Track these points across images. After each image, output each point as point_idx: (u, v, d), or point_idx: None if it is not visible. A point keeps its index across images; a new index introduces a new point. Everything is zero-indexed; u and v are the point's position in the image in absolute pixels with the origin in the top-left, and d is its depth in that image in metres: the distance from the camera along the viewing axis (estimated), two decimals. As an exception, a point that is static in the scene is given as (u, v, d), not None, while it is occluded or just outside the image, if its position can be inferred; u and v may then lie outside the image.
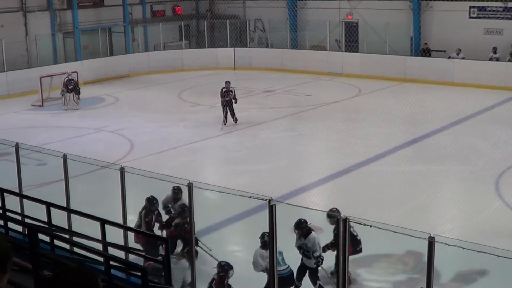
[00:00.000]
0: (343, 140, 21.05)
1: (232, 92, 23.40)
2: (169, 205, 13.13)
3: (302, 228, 10.75)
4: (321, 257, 10.69)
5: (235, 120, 23.41)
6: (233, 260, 12.97)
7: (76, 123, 24.22)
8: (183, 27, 38.07)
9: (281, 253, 10.31)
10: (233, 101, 23.29)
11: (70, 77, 26.87)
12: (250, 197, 10.31)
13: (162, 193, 13.58)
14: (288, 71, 34.27)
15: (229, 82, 23.83)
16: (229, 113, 23.32)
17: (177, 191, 12.87)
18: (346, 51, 34.39)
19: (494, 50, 30.11)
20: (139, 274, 5.56)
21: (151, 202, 12.52)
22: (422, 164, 18.53)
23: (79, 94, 27.04)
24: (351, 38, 34.84)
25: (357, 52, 34.10)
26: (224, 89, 23.50)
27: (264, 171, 17.62)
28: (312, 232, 10.90)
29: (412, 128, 22.70)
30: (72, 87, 26.73)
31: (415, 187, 16.12)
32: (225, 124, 23.10)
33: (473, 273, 11.46)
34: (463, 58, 30.57)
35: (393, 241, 12.14)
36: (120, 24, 36.52)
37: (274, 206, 8.25)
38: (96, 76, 32.61)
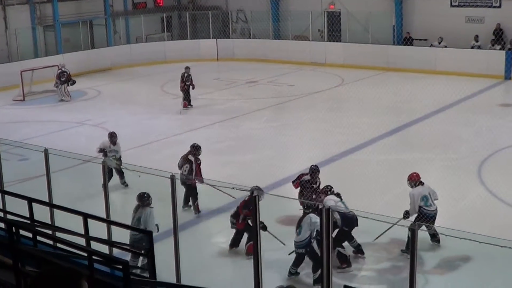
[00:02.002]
0: (326, 129, 21.07)
1: (191, 76, 24.48)
2: (107, 149, 15.79)
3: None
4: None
5: (191, 105, 24.66)
6: (218, 251, 13.01)
7: (58, 117, 24.08)
8: (165, 19, 37.90)
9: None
10: (191, 86, 24.45)
11: (63, 69, 26.84)
12: (233, 188, 10.34)
13: (145, 187, 13.56)
14: (271, 62, 34.26)
15: (189, 68, 24.79)
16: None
17: (112, 134, 16.04)
18: (328, 41, 34.41)
19: (476, 38, 30.25)
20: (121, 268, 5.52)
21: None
22: (405, 152, 18.60)
23: (74, 84, 27.10)
24: (333, 28, 34.82)
25: (339, 41, 34.12)
26: (185, 74, 24.42)
27: (248, 162, 17.63)
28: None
29: (395, 116, 22.74)
30: (64, 79, 26.73)
31: (398, 176, 16.09)
32: (186, 108, 24.43)
33: (456, 259, 11.52)
34: (445, 47, 30.68)
35: (377, 229, 12.19)
36: (101, 16, 36.32)
37: (257, 196, 8.25)
38: (78, 69, 32.32)
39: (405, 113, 22.93)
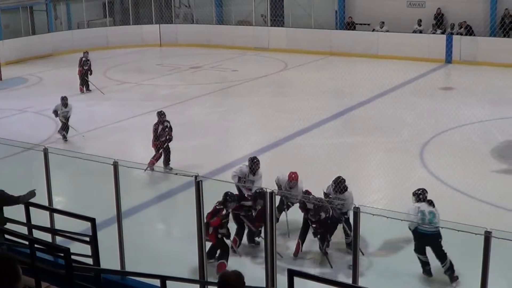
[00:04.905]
0: (270, 114, 21.15)
1: (89, 61, 24.74)
2: (59, 110, 18.80)
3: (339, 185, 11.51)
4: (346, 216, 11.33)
5: (89, 89, 24.95)
6: (163, 238, 12.98)
7: (-1, 104, 23.60)
8: (107, 4, 37.36)
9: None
10: (89, 72, 24.84)
11: None
12: (176, 174, 10.33)
13: (89, 173, 13.43)
14: (215, 47, 34.17)
15: (88, 52, 25.09)
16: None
17: (63, 97, 18.95)
18: (272, 26, 34.46)
19: (419, 22, 30.66)
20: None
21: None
22: (349, 136, 18.79)
23: None
24: (276, 13, 34.87)
25: (282, 26, 34.18)
26: (83, 59, 24.72)
27: (192, 147, 17.56)
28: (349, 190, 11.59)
29: (338, 101, 22.96)
30: None
31: (342, 159, 16.33)
32: (82, 92, 24.76)
33: (399, 241, 11.69)
34: (387, 31, 31.01)
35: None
36: (41, 2, 35.61)
37: (200, 182, 8.23)
38: (19, 55, 31.81)
39: (348, 97, 23.15)
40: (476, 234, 6.86)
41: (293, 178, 12.23)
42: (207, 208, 8.69)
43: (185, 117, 21.16)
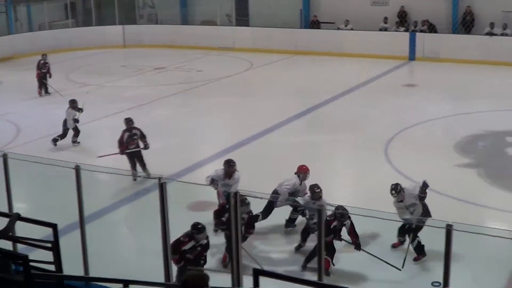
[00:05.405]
0: (236, 114, 21.12)
1: (48, 64, 24.32)
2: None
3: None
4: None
5: (48, 92, 24.54)
6: (125, 243, 12.85)
7: (-42, 109, 23.19)
8: (68, 5, 36.98)
9: None
10: (48, 75, 24.43)
11: None
12: (139, 176, 10.27)
13: (50, 178, 13.26)
14: (179, 47, 33.99)
15: (46, 55, 24.74)
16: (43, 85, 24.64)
17: (73, 101, 18.42)
18: (237, 25, 34.42)
19: (385, 20, 30.87)
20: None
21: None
22: (315, 134, 18.81)
23: None
24: (241, 12, 34.85)
25: (248, 26, 34.16)
26: (41, 61, 24.32)
27: (158, 149, 17.37)
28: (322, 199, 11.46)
29: (304, 99, 22.97)
30: None
31: (308, 157, 16.24)
32: (41, 96, 24.37)
33: (365, 237, 11.70)
34: (352, 29, 31.14)
35: (286, 212, 12.29)
36: (1, 3, 35.10)
37: (164, 184, 8.12)
38: (-22, 59, 31.40)
39: (313, 95, 23.17)
40: (438, 227, 6.85)
41: (304, 169, 12.31)
42: (172, 211, 8.57)
43: (150, 118, 20.95)
